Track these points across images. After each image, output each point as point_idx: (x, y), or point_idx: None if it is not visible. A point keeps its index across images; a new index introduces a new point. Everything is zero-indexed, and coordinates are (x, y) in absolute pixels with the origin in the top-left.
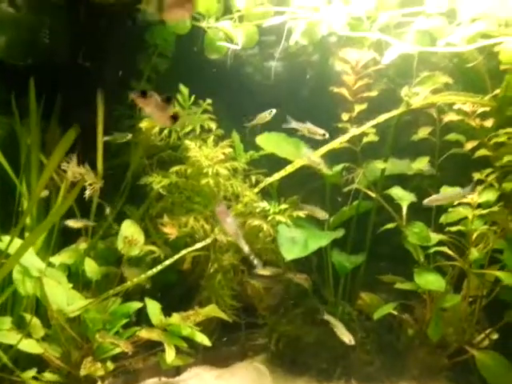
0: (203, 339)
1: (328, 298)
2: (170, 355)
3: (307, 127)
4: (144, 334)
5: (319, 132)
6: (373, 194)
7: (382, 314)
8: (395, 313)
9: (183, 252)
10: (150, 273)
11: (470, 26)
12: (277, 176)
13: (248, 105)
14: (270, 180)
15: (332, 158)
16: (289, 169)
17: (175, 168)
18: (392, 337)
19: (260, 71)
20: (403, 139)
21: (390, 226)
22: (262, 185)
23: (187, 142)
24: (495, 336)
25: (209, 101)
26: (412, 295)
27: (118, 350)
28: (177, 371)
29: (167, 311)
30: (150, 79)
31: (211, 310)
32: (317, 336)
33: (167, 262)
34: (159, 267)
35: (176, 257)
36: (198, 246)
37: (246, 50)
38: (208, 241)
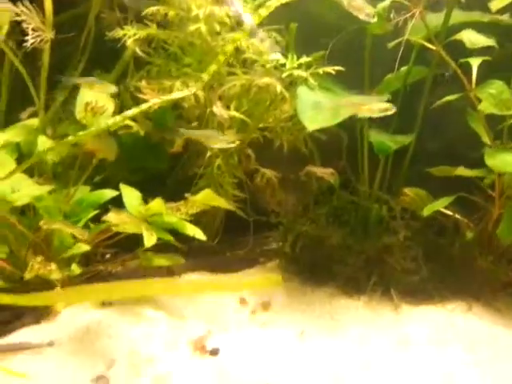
0: (196, 232)
1: (361, 188)
2: (148, 239)
3: None
4: (112, 218)
5: None
6: (432, 47)
7: (434, 209)
8: (449, 213)
9: None
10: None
11: None
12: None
13: None
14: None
15: None
16: None
17: (149, 9)
18: (445, 241)
19: None
20: None
21: (450, 98)
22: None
23: None
24: None
25: None
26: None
27: (82, 249)
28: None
29: None
30: None
31: (207, 196)
32: (343, 238)
33: None
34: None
35: None
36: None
37: None
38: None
